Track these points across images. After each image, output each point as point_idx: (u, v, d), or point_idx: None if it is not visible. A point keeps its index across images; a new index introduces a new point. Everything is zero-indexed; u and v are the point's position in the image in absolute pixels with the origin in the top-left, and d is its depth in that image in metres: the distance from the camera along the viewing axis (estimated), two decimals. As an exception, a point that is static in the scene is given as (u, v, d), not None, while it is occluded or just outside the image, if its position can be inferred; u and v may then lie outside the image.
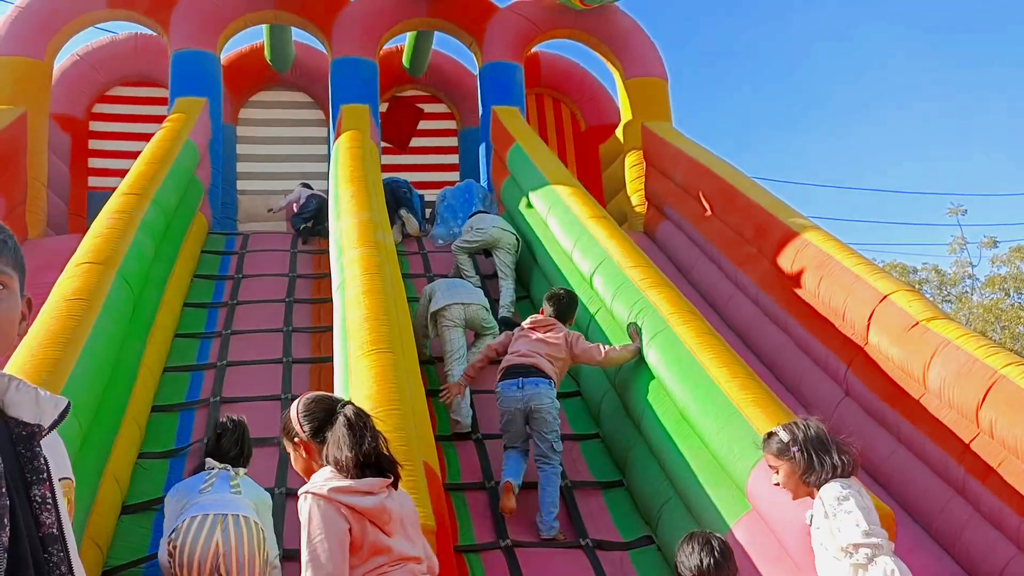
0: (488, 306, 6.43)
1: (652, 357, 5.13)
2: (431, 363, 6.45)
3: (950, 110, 44.29)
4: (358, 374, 4.39)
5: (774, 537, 3.89)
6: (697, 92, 48.81)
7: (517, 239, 7.56)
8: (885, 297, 5.38)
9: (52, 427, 1.43)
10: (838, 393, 5.73)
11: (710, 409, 4.46)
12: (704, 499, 4.34)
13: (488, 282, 7.51)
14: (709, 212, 7.89)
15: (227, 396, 5.79)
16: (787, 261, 6.44)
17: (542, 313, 5.53)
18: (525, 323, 5.48)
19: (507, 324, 6.60)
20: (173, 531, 3.73)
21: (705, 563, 3.10)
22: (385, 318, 4.87)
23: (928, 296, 21.47)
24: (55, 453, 1.46)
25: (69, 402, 1.48)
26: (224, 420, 4.16)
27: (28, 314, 1.51)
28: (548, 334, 5.29)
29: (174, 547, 3.69)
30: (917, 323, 5.05)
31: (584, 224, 6.65)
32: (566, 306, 5.53)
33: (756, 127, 51.51)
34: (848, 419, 5.53)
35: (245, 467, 4.06)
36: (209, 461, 4.00)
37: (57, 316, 4.51)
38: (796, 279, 6.33)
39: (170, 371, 6.12)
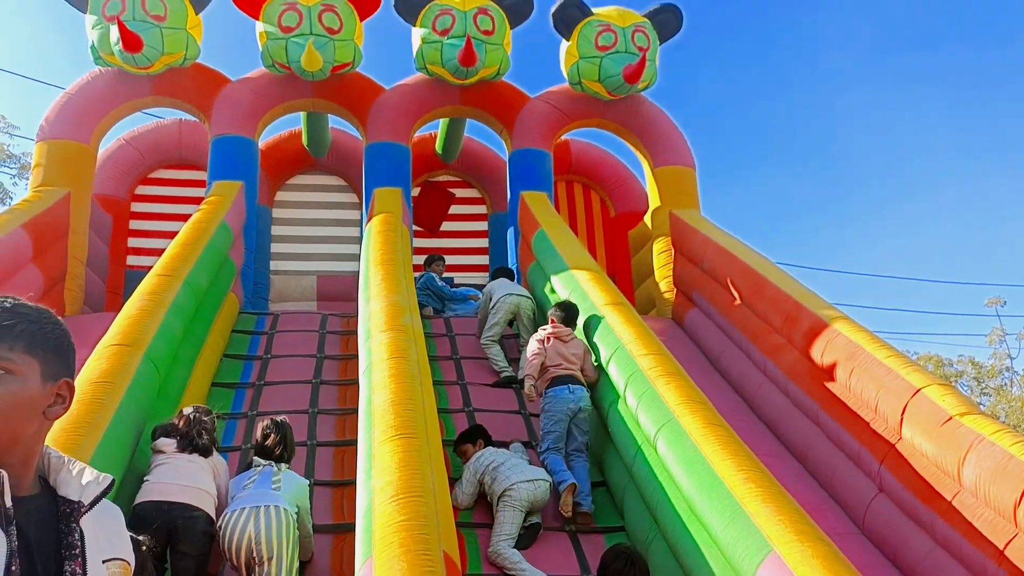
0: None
1: (661, 449, 5.06)
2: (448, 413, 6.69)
3: (988, 197, 44.20)
4: (381, 459, 4.37)
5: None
6: (729, 175, 49.25)
7: (532, 300, 8.23)
8: (918, 391, 5.28)
9: (92, 504, 1.49)
10: (872, 489, 5.58)
11: (715, 504, 4.35)
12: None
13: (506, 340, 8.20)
14: (738, 300, 7.86)
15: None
16: (817, 352, 6.36)
17: (553, 322, 6.68)
18: (548, 330, 6.56)
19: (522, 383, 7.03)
20: (220, 523, 4.50)
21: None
22: (410, 403, 4.87)
23: (965, 388, 21.12)
24: (111, 533, 1.54)
25: (113, 480, 1.54)
26: (268, 422, 4.94)
27: (68, 396, 1.54)
28: (571, 345, 6.45)
29: (220, 535, 4.47)
30: (951, 418, 4.94)
31: (601, 311, 6.67)
32: (574, 313, 6.79)
33: (789, 212, 51.64)
34: (882, 516, 5.37)
35: (288, 463, 4.84)
36: (256, 460, 4.82)
37: (81, 400, 4.55)
38: (827, 371, 6.24)
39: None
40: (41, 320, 1.51)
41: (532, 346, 6.49)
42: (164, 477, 4.55)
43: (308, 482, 5.05)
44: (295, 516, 4.63)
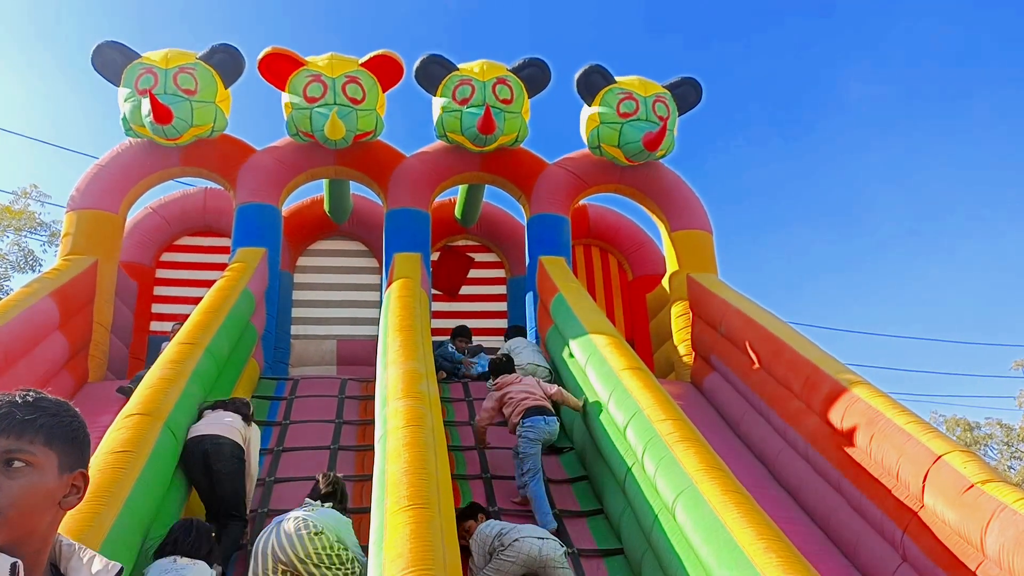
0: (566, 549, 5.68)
1: (679, 516, 5.01)
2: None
3: (1013, 255, 43.85)
4: (393, 530, 4.36)
5: None
6: (748, 234, 49.30)
7: (549, 371, 8.39)
8: (939, 458, 5.21)
9: None
10: (895, 558, 5.48)
11: (735, 574, 4.29)
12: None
13: None
14: (757, 364, 7.84)
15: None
16: (837, 417, 6.31)
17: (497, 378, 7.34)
18: (502, 380, 7.23)
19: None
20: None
21: None
22: (424, 472, 4.87)
23: (995, 452, 20.67)
24: None
25: (122, 568, 1.58)
26: (330, 475, 5.53)
27: (83, 487, 1.60)
28: (523, 384, 7.15)
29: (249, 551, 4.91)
30: (972, 485, 4.87)
31: (618, 375, 6.67)
32: (510, 366, 7.57)
33: (809, 272, 51.47)
34: (907, 587, 5.27)
35: (331, 503, 5.31)
36: (307, 501, 5.32)
37: (102, 469, 4.61)
38: (847, 436, 6.19)
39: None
40: (60, 413, 1.57)
41: (487, 403, 7.23)
42: (200, 424, 5.86)
43: (350, 520, 5.32)
44: (323, 535, 4.94)
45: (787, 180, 50.20)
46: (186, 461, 5.60)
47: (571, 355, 7.89)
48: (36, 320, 7.62)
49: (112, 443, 4.98)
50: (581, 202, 11.26)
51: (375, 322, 10.61)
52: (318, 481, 5.53)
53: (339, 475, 5.67)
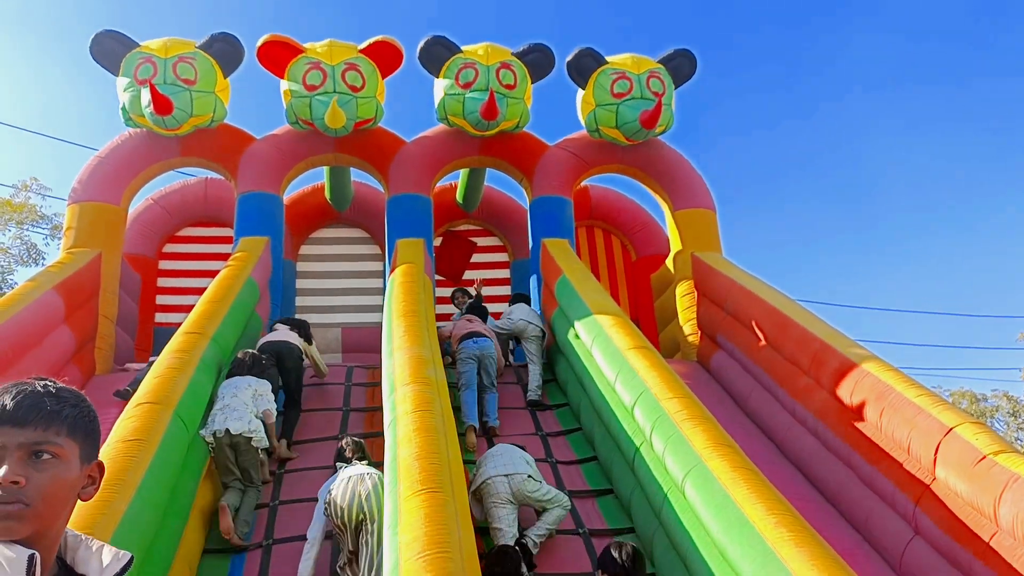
0: (537, 475, 6.01)
1: (689, 493, 5.01)
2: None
3: (1019, 230, 43.71)
4: (407, 515, 4.35)
5: None
6: (754, 211, 49.17)
7: (542, 330, 8.85)
8: (950, 430, 5.20)
9: None
10: (907, 531, 5.48)
11: (746, 551, 4.29)
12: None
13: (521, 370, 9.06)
14: (763, 342, 7.82)
15: (279, 537, 5.79)
16: (846, 392, 6.30)
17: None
18: (464, 317, 8.67)
19: (536, 405, 8.26)
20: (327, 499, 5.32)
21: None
22: (435, 456, 4.86)
23: (1001, 424, 20.67)
24: None
25: (132, 557, 1.57)
26: (350, 440, 5.89)
27: (99, 478, 1.61)
28: (475, 322, 8.50)
29: (327, 504, 5.28)
30: (984, 457, 4.86)
31: (625, 355, 6.66)
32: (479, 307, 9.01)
33: (816, 247, 51.34)
34: (919, 559, 5.27)
35: (364, 460, 5.75)
36: (337, 464, 5.72)
37: (113, 458, 4.60)
38: (857, 411, 6.18)
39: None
40: (80, 404, 1.57)
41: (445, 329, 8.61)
42: (273, 334, 7.76)
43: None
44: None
45: (792, 155, 50.05)
46: (268, 355, 7.17)
47: (577, 336, 7.88)
48: (42, 313, 7.61)
49: (123, 432, 4.97)
50: (583, 183, 11.22)
51: (379, 309, 10.59)
52: (343, 448, 5.82)
53: (358, 439, 5.99)
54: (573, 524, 6.14)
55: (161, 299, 10.99)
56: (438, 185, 10.81)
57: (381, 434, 6.15)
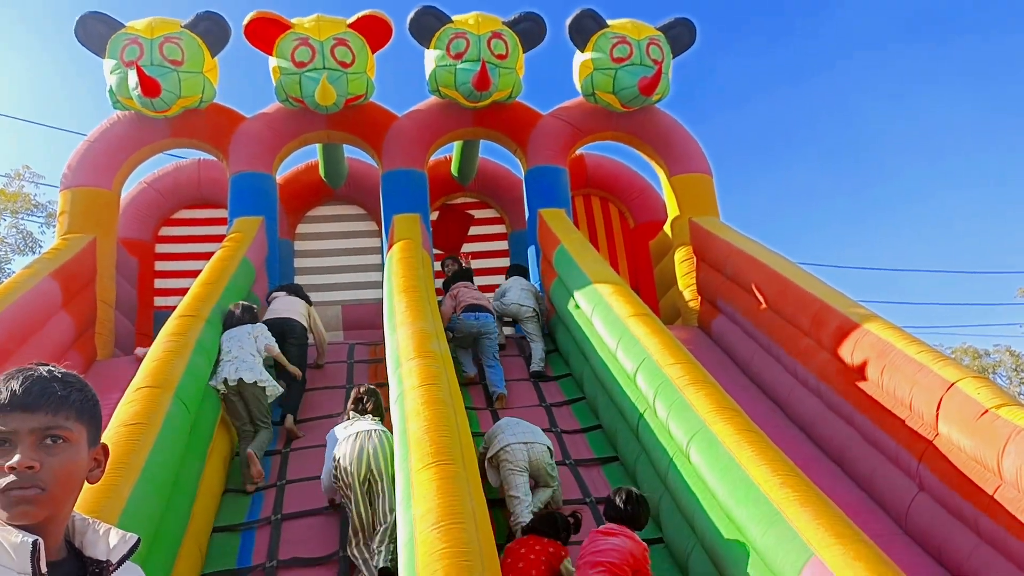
0: (552, 448, 6.03)
1: (694, 457, 5.03)
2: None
3: (1016, 186, 43.58)
4: (420, 487, 4.36)
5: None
6: (751, 173, 48.99)
7: (535, 311, 8.92)
8: (952, 385, 5.21)
9: (120, 562, 1.54)
10: (912, 488, 5.51)
11: (752, 511, 4.31)
12: (764, 606, 4.16)
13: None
14: (763, 305, 7.82)
15: (288, 513, 5.82)
16: (847, 352, 6.31)
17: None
18: (456, 285, 8.64)
19: (539, 377, 8.27)
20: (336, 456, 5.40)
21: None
22: (445, 429, 4.86)
23: (1004, 379, 20.77)
24: None
25: (139, 539, 1.59)
26: (365, 388, 6.01)
27: (104, 460, 1.62)
28: (475, 291, 8.55)
29: (335, 465, 5.36)
30: (987, 411, 4.87)
31: (625, 322, 6.66)
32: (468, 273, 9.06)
33: (814, 210, 51.22)
34: (924, 515, 5.31)
35: (379, 416, 5.83)
36: (352, 413, 5.83)
37: (116, 442, 4.61)
38: (858, 370, 6.19)
39: (230, 491, 6.17)
40: (84, 388, 1.58)
41: (446, 303, 8.50)
42: (277, 308, 7.92)
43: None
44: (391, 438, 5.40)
45: (788, 117, 49.80)
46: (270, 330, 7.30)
47: (576, 306, 7.88)
48: (39, 301, 7.59)
49: (124, 416, 4.98)
50: (578, 152, 11.16)
51: (379, 285, 10.58)
52: (360, 397, 5.93)
53: (372, 387, 6.09)
54: (579, 493, 6.18)
55: (159, 283, 10.97)
56: (432, 158, 10.75)
57: (387, 410, 6.17)
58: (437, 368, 5.72)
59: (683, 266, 9.76)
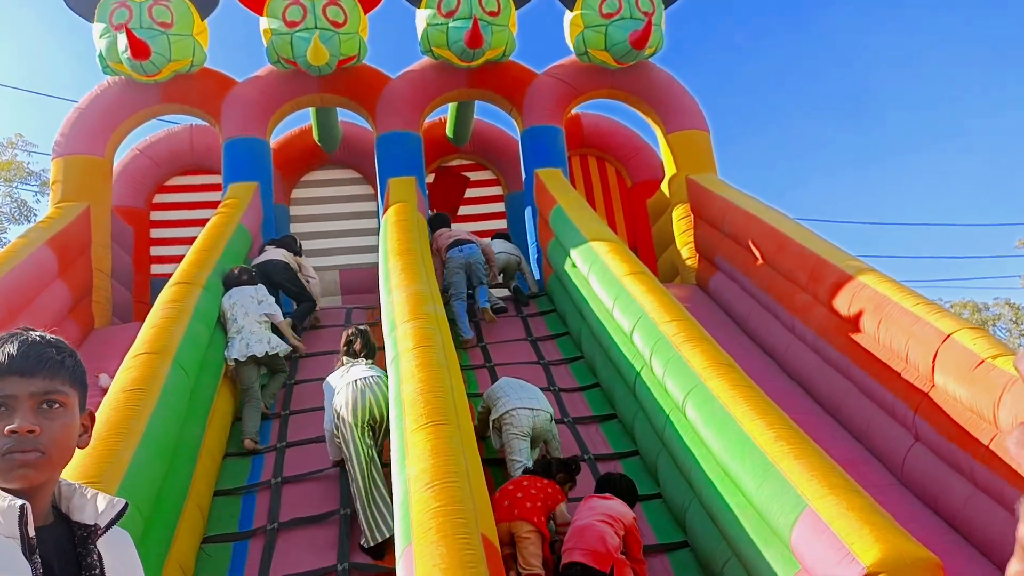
0: (553, 414, 6.10)
1: (690, 414, 5.06)
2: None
3: (1015, 134, 43.23)
4: (414, 448, 4.39)
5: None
6: (747, 126, 48.68)
7: (518, 258, 9.35)
8: (948, 336, 5.21)
9: (108, 526, 1.54)
10: (907, 439, 5.53)
11: (747, 465, 4.34)
12: (757, 558, 4.20)
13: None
14: (761, 261, 7.80)
15: (288, 475, 5.86)
16: (843, 306, 6.30)
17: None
18: (437, 233, 8.89)
19: (499, 311, 8.70)
20: (336, 403, 5.47)
21: None
22: (439, 390, 4.88)
23: (1004, 331, 20.80)
24: (125, 556, 1.60)
25: (126, 503, 1.59)
26: (353, 330, 6.01)
27: (90, 426, 1.63)
28: (455, 231, 8.86)
29: (336, 414, 5.43)
30: (983, 361, 4.87)
31: (622, 281, 6.65)
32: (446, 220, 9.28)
33: (810, 163, 50.94)
34: (920, 465, 5.33)
35: (371, 359, 5.86)
36: (345, 359, 5.86)
37: (116, 407, 4.62)
38: (854, 324, 6.19)
39: (231, 455, 6.22)
40: (75, 354, 1.59)
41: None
42: (262, 255, 8.31)
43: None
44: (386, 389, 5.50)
45: (786, 70, 49.34)
46: (261, 277, 7.67)
47: (573, 265, 7.86)
48: (35, 270, 7.57)
49: (124, 382, 4.99)
50: (574, 111, 11.06)
51: (375, 249, 10.54)
52: (350, 339, 5.96)
53: (361, 327, 6.13)
54: (578, 449, 6.21)
55: (155, 250, 10.95)
56: (427, 120, 10.66)
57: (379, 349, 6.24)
58: (432, 330, 5.72)
59: (680, 224, 9.72)
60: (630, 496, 5.01)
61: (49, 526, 1.50)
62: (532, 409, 5.85)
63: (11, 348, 1.49)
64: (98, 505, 1.55)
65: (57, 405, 1.50)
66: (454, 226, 9.55)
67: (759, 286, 7.74)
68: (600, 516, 4.67)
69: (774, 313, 7.50)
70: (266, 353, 6.76)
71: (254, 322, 6.90)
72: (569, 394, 7.11)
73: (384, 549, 5.07)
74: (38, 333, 1.55)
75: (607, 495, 4.91)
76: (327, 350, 7.97)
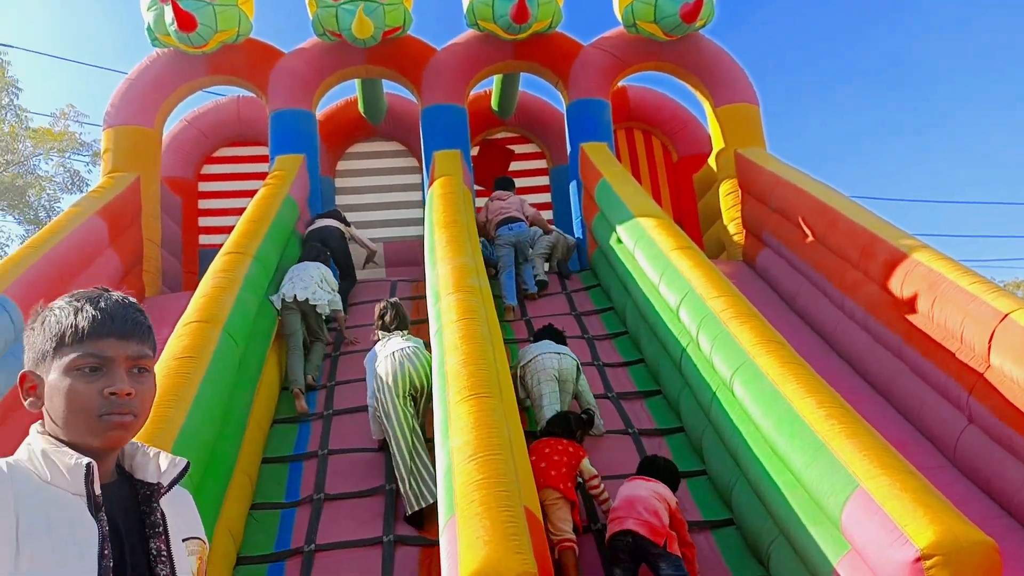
0: (580, 367, 6.25)
1: (737, 391, 4.98)
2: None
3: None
4: (457, 420, 4.40)
5: (873, 576, 3.66)
6: (797, 102, 47.74)
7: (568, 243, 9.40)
8: (1005, 316, 5.07)
9: (171, 485, 1.56)
10: (961, 420, 5.41)
11: (796, 443, 4.27)
12: (806, 538, 4.15)
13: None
14: (810, 237, 7.66)
15: (334, 448, 5.93)
16: (896, 284, 6.17)
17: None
18: (492, 196, 9.10)
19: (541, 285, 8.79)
20: (377, 373, 5.59)
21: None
22: (483, 362, 4.88)
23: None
24: (186, 514, 1.62)
25: (188, 462, 1.61)
26: (384, 303, 6.14)
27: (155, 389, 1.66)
28: (508, 201, 8.91)
29: (378, 386, 5.52)
30: (1043, 342, 4.74)
31: (668, 256, 6.57)
32: (510, 183, 9.47)
33: (862, 141, 49.82)
34: (973, 447, 5.22)
35: (404, 330, 5.99)
36: (380, 333, 5.97)
37: (167, 374, 4.69)
38: (908, 303, 6.05)
39: (278, 423, 6.30)
40: (148, 316, 1.60)
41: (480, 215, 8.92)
42: (316, 223, 8.65)
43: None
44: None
45: (834, 40, 48.18)
46: (315, 243, 8.11)
47: (619, 240, 7.79)
48: (87, 239, 7.71)
49: (175, 350, 5.07)
50: (620, 83, 10.91)
51: (420, 222, 10.56)
52: (382, 314, 6.06)
53: (392, 300, 6.26)
54: (623, 424, 6.18)
55: (203, 221, 11.08)
56: (472, 93, 10.60)
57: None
58: (475, 302, 5.72)
59: (728, 199, 9.57)
60: (673, 480, 4.97)
61: (113, 484, 1.52)
62: (558, 354, 6.03)
63: (102, 309, 1.51)
64: (160, 464, 1.57)
65: (145, 370, 1.53)
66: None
67: (808, 263, 7.60)
68: (650, 492, 4.67)
69: (823, 290, 7.37)
70: (307, 300, 6.95)
71: (308, 276, 7.17)
72: (613, 369, 7.07)
73: (425, 518, 5.12)
74: (119, 295, 1.57)
75: (651, 478, 4.89)
76: (368, 323, 8.02)
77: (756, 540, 4.79)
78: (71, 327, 1.48)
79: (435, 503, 4.93)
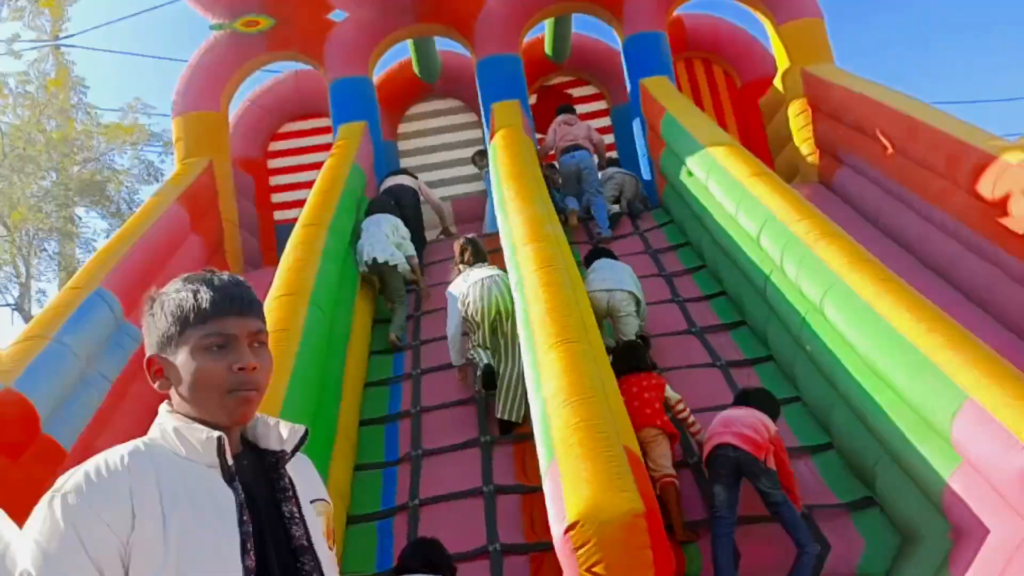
0: (634, 291, 6.22)
1: (829, 313, 4.87)
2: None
3: None
4: (547, 367, 4.43)
5: (990, 487, 3.58)
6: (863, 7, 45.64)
7: (635, 181, 9.34)
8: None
9: (294, 451, 1.62)
10: (1068, 324, 5.21)
11: (898, 361, 4.17)
12: (914, 456, 4.08)
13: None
14: (890, 150, 7.39)
15: (427, 405, 6.07)
16: (987, 188, 5.92)
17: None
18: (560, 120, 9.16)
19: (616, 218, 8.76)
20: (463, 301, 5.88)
21: None
22: (566, 309, 4.90)
23: None
24: (309, 478, 1.68)
25: (307, 429, 1.66)
26: (463, 240, 6.45)
27: None
28: (576, 127, 9.00)
29: (463, 309, 5.85)
30: None
31: (744, 184, 6.42)
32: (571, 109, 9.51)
33: (936, 39, 47.42)
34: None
35: (483, 260, 6.25)
36: (461, 267, 6.25)
37: (265, 348, 4.84)
38: (1000, 206, 5.81)
39: (370, 386, 6.46)
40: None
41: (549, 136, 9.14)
42: (387, 182, 8.82)
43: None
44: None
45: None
46: (387, 200, 8.13)
47: (690, 174, 7.64)
48: (170, 226, 7.96)
49: (268, 324, 5.21)
50: (675, 13, 10.62)
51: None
52: (464, 250, 6.33)
53: (470, 236, 6.64)
54: (710, 358, 6.14)
55: (276, 197, 11.30)
56: (525, 40, 10.46)
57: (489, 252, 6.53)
58: (552, 250, 5.71)
59: (798, 120, 9.28)
60: (772, 408, 4.90)
61: (241, 455, 1.58)
62: (608, 291, 6.07)
63: (222, 288, 1.55)
64: (282, 432, 1.62)
65: (263, 345, 1.58)
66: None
67: (890, 177, 7.35)
68: (747, 412, 4.66)
69: (908, 204, 7.13)
70: (387, 261, 7.12)
71: (382, 234, 7.33)
72: (695, 304, 7.00)
73: (512, 425, 5.52)
74: (228, 274, 1.62)
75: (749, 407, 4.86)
76: (446, 280, 8.08)
77: (859, 461, 4.73)
78: (193, 308, 1.53)
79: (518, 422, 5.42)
